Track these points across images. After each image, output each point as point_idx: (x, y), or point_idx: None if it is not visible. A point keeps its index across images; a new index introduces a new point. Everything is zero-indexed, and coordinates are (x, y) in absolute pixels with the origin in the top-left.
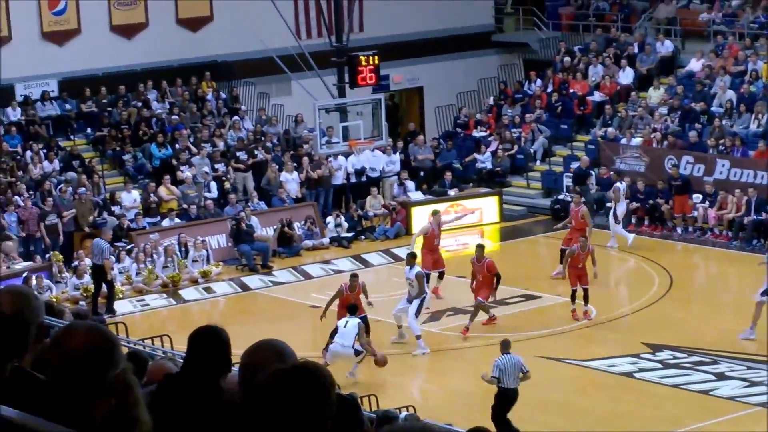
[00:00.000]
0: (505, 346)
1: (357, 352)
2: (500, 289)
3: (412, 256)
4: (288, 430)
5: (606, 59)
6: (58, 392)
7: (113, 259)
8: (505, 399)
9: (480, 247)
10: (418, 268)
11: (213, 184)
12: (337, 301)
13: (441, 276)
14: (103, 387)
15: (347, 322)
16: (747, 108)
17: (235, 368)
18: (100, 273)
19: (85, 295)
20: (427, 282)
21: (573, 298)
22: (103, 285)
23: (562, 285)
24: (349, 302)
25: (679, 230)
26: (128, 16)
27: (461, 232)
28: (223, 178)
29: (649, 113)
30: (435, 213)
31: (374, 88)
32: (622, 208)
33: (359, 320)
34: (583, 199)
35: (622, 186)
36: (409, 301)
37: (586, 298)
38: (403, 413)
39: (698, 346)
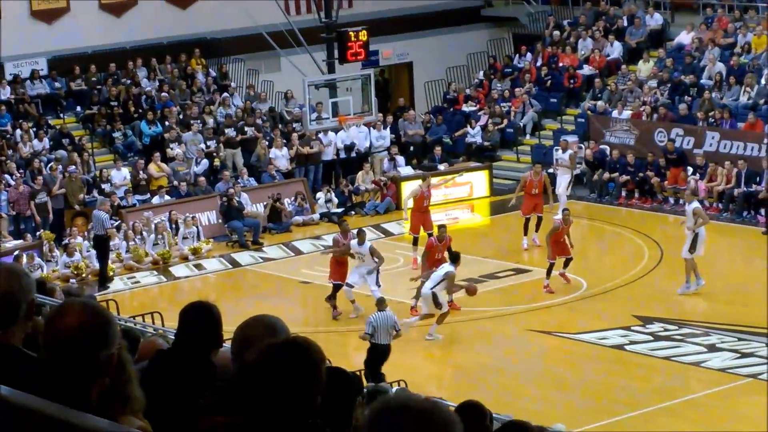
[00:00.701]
0: (380, 303)
1: (436, 303)
2: (490, 263)
3: (361, 233)
4: (278, 403)
5: (595, 33)
6: (53, 371)
7: (114, 230)
8: (376, 353)
9: (442, 228)
10: (369, 244)
11: (204, 161)
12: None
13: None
14: (99, 365)
15: (442, 268)
16: (736, 80)
17: (227, 344)
18: (102, 243)
19: (76, 272)
20: (415, 245)
21: (549, 272)
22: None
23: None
24: (435, 255)
25: (671, 201)
26: None
27: (452, 206)
28: (213, 154)
29: (638, 86)
30: (425, 178)
31: (363, 64)
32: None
33: (452, 269)
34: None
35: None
36: (369, 273)
37: (567, 264)
38: (394, 388)
39: (689, 318)
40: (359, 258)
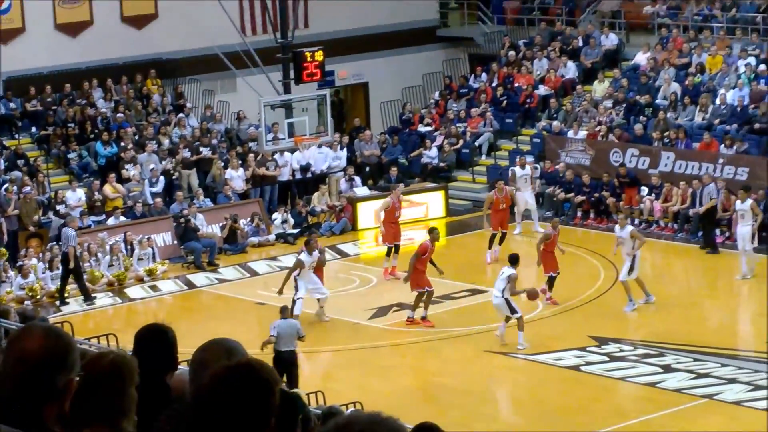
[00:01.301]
0: (283, 311)
1: (511, 309)
2: (447, 284)
3: (309, 243)
4: (233, 426)
5: (551, 53)
6: (10, 394)
7: (78, 249)
8: (281, 361)
9: (435, 230)
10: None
11: (162, 180)
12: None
13: (397, 250)
14: (57, 389)
15: (502, 272)
16: (691, 100)
17: (182, 366)
18: (68, 260)
19: (30, 294)
20: (388, 256)
21: (551, 284)
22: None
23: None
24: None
25: (627, 221)
26: (73, 14)
27: (407, 227)
28: (172, 174)
29: (593, 106)
30: (394, 189)
31: (319, 84)
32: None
33: (513, 271)
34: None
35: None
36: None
37: (551, 283)
38: (350, 410)
39: (644, 339)
40: (309, 267)
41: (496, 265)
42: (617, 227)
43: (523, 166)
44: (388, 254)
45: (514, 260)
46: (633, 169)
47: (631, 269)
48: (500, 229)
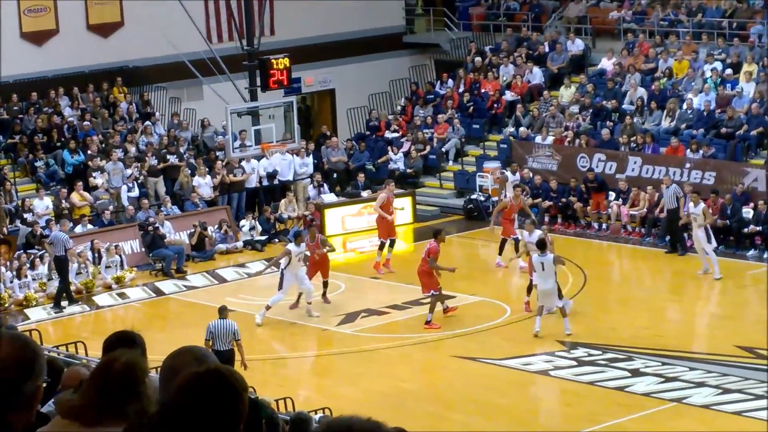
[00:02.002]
0: (221, 311)
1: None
2: (414, 290)
3: (299, 235)
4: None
5: (517, 59)
6: None
7: (75, 248)
8: (218, 360)
9: (441, 231)
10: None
11: (124, 189)
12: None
13: (392, 244)
14: (23, 397)
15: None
16: (658, 105)
17: (151, 373)
18: (62, 264)
19: None
20: (381, 250)
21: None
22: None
23: (477, 284)
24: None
25: (595, 226)
26: (38, 23)
27: (375, 232)
28: (139, 181)
29: (560, 112)
30: (389, 182)
31: (286, 91)
32: None
33: (549, 255)
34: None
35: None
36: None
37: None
38: (318, 415)
39: (613, 343)
40: (297, 258)
41: (505, 270)
42: (525, 233)
43: (514, 172)
44: (381, 248)
45: (543, 245)
46: (600, 174)
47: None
48: (510, 236)
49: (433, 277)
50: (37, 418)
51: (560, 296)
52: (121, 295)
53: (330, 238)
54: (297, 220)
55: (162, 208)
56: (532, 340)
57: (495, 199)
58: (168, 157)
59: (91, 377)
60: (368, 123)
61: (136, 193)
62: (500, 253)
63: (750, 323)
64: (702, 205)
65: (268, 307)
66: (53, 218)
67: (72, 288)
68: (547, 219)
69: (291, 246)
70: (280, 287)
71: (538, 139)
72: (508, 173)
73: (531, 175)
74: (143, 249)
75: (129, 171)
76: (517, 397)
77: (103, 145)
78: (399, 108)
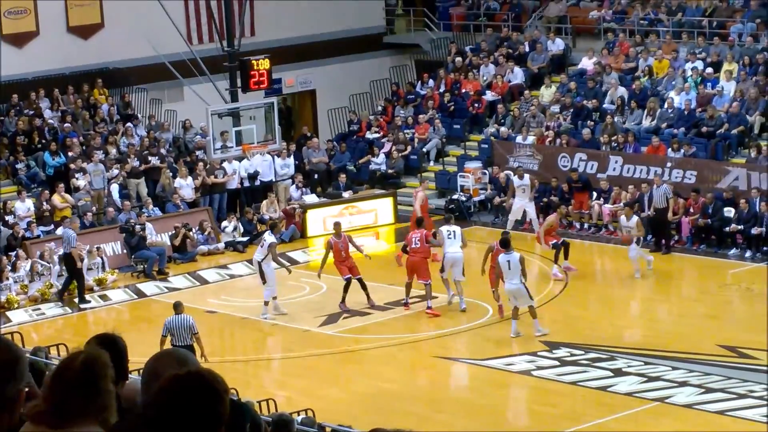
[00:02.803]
0: (176, 307)
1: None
2: (395, 290)
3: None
4: None
5: (498, 58)
6: None
7: (82, 247)
8: None
9: (337, 225)
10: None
11: (114, 188)
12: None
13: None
14: (5, 400)
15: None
16: (638, 104)
17: (133, 376)
18: (69, 261)
19: None
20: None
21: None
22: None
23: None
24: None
25: (577, 225)
26: (19, 25)
27: (356, 233)
28: (120, 182)
29: (541, 111)
30: (424, 180)
31: (267, 92)
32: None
33: (515, 254)
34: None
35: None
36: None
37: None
38: (300, 416)
39: (595, 343)
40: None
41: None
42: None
43: (521, 177)
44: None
45: (508, 244)
46: (582, 173)
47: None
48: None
49: (427, 266)
50: (20, 421)
51: (531, 295)
52: (103, 297)
53: (311, 239)
54: (279, 221)
55: (144, 210)
56: (514, 340)
57: (476, 199)
58: (149, 158)
59: (52, 377)
60: (350, 123)
61: (116, 196)
62: (556, 262)
63: (732, 322)
64: (635, 218)
65: (266, 303)
66: (35, 220)
67: (53, 290)
68: (528, 219)
69: (270, 237)
70: (265, 280)
71: (519, 138)
72: (515, 178)
73: (504, 179)
74: (125, 251)
75: (115, 171)
76: (500, 398)
77: (84, 147)
78: (380, 108)
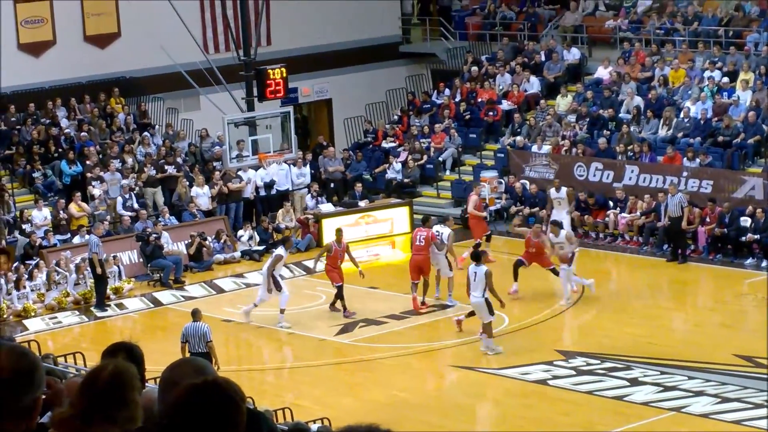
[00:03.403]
0: (194, 314)
1: (490, 311)
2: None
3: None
4: None
5: (514, 68)
6: None
7: (102, 254)
8: None
9: (339, 231)
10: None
11: (132, 197)
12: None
13: (488, 239)
14: (23, 408)
15: (475, 273)
16: (654, 114)
17: (150, 384)
18: (92, 267)
19: None
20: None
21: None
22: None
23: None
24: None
25: (593, 235)
26: (36, 34)
27: (373, 242)
28: (135, 191)
29: (557, 121)
30: (476, 185)
31: (283, 101)
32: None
33: (484, 267)
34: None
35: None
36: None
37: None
38: (316, 425)
39: (611, 352)
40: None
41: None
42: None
43: (558, 189)
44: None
45: (478, 257)
46: (597, 183)
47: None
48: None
49: (430, 264)
50: (37, 429)
51: (491, 312)
52: (120, 306)
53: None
54: (294, 230)
55: (160, 219)
56: (530, 349)
57: (492, 208)
58: (166, 167)
59: (80, 387)
60: (366, 132)
61: (132, 203)
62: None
63: (748, 332)
64: (563, 232)
65: (282, 311)
66: (51, 229)
67: (70, 299)
68: (544, 228)
69: (280, 251)
70: (279, 288)
71: (535, 148)
72: (552, 190)
73: (520, 187)
74: (141, 259)
75: (125, 181)
76: (516, 407)
77: (101, 156)
78: (395, 118)
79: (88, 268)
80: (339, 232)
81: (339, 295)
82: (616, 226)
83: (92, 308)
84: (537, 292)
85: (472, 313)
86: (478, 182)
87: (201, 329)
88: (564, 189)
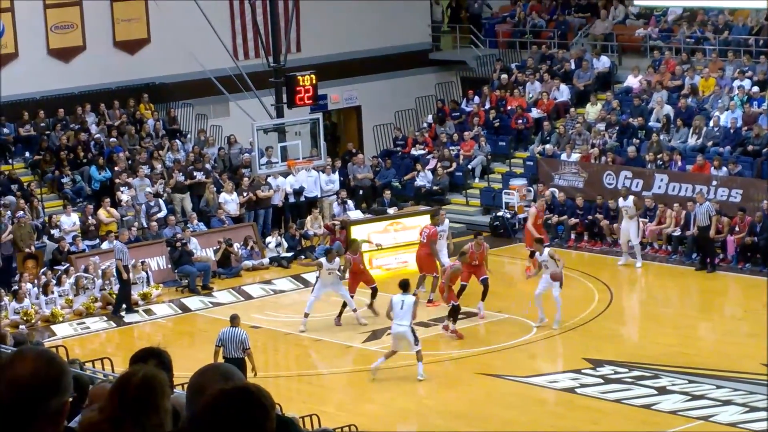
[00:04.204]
0: (232, 320)
1: (415, 339)
2: (442, 307)
3: (330, 252)
4: None
5: (544, 75)
6: (2, 418)
7: (130, 261)
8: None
9: (354, 241)
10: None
11: (161, 203)
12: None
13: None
14: (50, 413)
15: (404, 301)
16: (684, 122)
17: (178, 390)
18: (118, 273)
19: (25, 319)
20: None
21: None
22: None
23: (503, 301)
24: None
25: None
26: (66, 40)
27: (401, 249)
28: (164, 199)
29: (587, 129)
30: (540, 198)
31: (312, 108)
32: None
33: (410, 296)
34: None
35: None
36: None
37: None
38: None
39: (639, 361)
40: (328, 272)
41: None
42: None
43: (625, 197)
44: (531, 256)
45: (406, 286)
46: (625, 190)
47: None
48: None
49: (433, 261)
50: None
51: (416, 341)
52: (148, 312)
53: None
54: (323, 237)
55: (188, 225)
56: (558, 357)
57: (521, 216)
58: (194, 173)
59: (110, 392)
60: (396, 139)
61: (156, 210)
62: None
63: None
64: (632, 197)
65: (306, 315)
66: (80, 234)
67: (98, 304)
68: (573, 236)
69: (323, 261)
70: (312, 291)
71: (564, 156)
72: (620, 200)
73: (550, 196)
74: (170, 265)
75: (148, 189)
76: (543, 415)
77: (130, 162)
78: (425, 125)
79: (115, 274)
80: (355, 242)
81: (373, 295)
82: (644, 235)
83: (112, 313)
84: (564, 300)
85: (451, 314)
86: (542, 195)
87: (239, 335)
88: (631, 197)
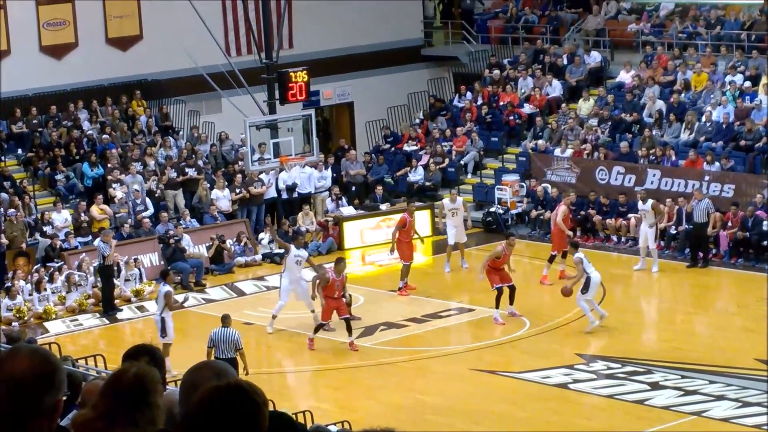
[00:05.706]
0: (224, 320)
1: (163, 329)
2: (434, 303)
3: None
4: None
5: (536, 71)
6: None
7: (122, 258)
8: None
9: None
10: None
11: (148, 201)
12: None
13: (564, 255)
14: (43, 410)
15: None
16: (677, 117)
17: (170, 387)
18: (104, 271)
19: (17, 316)
20: (550, 262)
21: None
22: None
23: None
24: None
25: (614, 239)
26: (58, 36)
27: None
28: (157, 195)
29: (579, 125)
30: (567, 195)
31: (304, 104)
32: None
33: (168, 287)
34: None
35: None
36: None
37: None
38: (336, 428)
39: (632, 356)
40: (296, 261)
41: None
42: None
43: (644, 201)
44: (550, 261)
45: (165, 275)
46: (618, 187)
47: (585, 289)
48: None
49: (410, 250)
50: (57, 431)
51: (164, 332)
52: (140, 308)
53: (348, 251)
54: (315, 233)
55: (181, 221)
56: (551, 353)
57: (514, 212)
58: (187, 170)
59: (102, 389)
60: (390, 135)
61: (143, 209)
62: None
63: None
64: (651, 201)
65: (273, 317)
66: (72, 231)
67: (90, 301)
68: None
69: (292, 246)
70: (280, 295)
71: (557, 151)
72: (639, 203)
73: (542, 191)
74: (162, 262)
75: (135, 187)
76: (536, 411)
77: (122, 159)
78: (417, 121)
79: (97, 278)
80: (340, 262)
81: (318, 327)
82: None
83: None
84: (557, 296)
85: (317, 329)
86: (568, 194)
87: (231, 335)
88: (650, 201)
